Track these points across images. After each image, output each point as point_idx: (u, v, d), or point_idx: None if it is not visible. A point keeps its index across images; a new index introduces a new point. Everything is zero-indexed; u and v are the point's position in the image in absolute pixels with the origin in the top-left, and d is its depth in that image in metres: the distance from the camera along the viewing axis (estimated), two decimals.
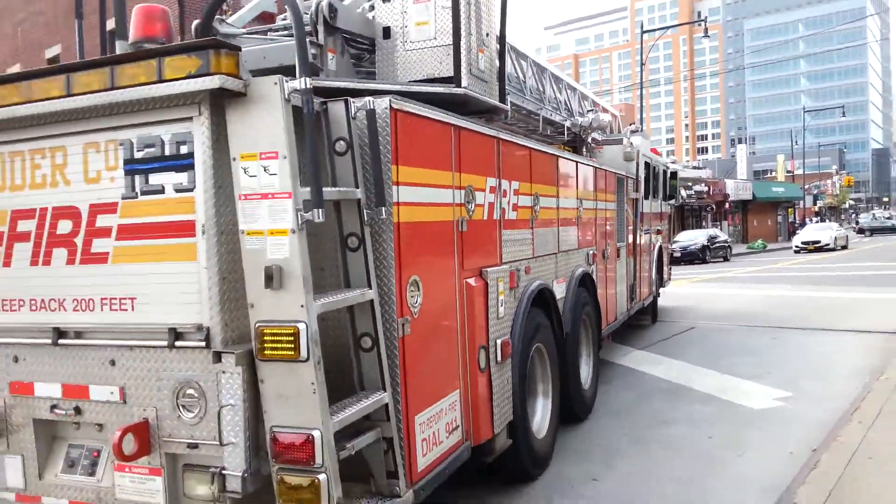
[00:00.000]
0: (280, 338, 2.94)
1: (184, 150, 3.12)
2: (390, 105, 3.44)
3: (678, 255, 30.31)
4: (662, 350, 9.61)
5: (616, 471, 5.31)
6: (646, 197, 10.26)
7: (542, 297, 5.42)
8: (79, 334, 3.38)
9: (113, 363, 3.29)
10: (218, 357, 3.06)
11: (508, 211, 4.98)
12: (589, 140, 8.34)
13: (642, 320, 11.38)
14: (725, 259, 32.09)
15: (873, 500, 4.06)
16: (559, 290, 6.00)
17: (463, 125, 4.24)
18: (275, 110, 2.97)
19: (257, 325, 2.99)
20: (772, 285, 18.14)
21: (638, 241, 9.83)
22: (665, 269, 12.56)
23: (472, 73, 4.27)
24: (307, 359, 2.91)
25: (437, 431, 3.78)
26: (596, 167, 7.76)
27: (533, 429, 5.16)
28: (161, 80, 3.03)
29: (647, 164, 10.34)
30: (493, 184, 4.72)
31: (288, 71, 3.48)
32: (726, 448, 5.65)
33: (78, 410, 3.39)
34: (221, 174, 3.09)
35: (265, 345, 2.96)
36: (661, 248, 11.78)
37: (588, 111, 8.51)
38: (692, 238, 32.11)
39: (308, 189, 3.00)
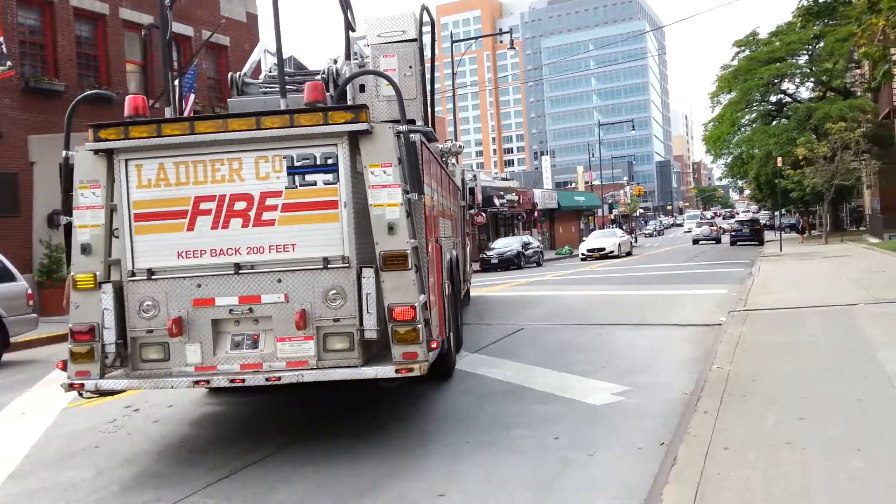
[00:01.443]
0: (396, 258, 5.43)
1: (329, 161, 5.54)
2: (420, 138, 6.21)
3: (496, 261, 31.01)
4: (496, 352, 9.35)
5: (462, 482, 4.79)
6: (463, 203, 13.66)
7: (450, 264, 8.29)
8: (252, 266, 5.60)
9: (280, 280, 5.56)
10: (360, 270, 5.48)
11: (437, 205, 7.82)
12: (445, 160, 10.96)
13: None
14: (538, 264, 33.32)
15: (741, 493, 3.84)
16: (454, 258, 9.04)
17: (431, 148, 7.53)
18: (390, 141, 5.51)
19: (381, 252, 5.46)
20: (586, 286, 18.84)
21: (466, 239, 13.48)
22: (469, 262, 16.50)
23: (425, 115, 7.54)
24: (410, 268, 5.43)
25: (435, 324, 6.24)
26: (453, 180, 10.94)
27: (452, 338, 8.03)
28: (326, 124, 5.45)
29: (462, 179, 13.40)
30: (435, 185, 7.68)
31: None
32: (575, 448, 5.33)
33: (251, 310, 5.61)
34: (354, 174, 5.55)
35: (387, 262, 5.44)
36: (469, 247, 15.67)
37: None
38: (508, 245, 33.02)
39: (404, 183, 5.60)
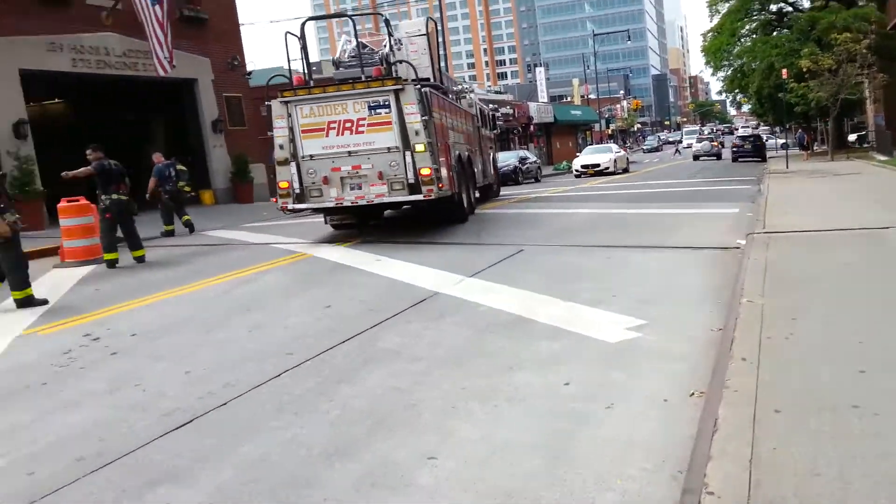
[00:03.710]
0: (422, 147, 11.87)
1: (386, 102, 11.89)
2: (429, 90, 12.49)
3: None
4: (493, 276, 8.51)
5: (456, 443, 4.01)
6: (483, 127, 19.70)
7: (459, 158, 14.53)
8: (356, 153, 12.12)
9: (369, 158, 12.06)
10: (404, 153, 11.89)
11: (446, 124, 13.80)
12: (460, 95, 18.03)
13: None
14: (536, 180, 32.29)
15: (808, 478, 3.05)
16: (464, 159, 15.15)
17: (439, 94, 13.84)
18: (413, 92, 11.88)
19: (413, 143, 11.84)
20: (588, 203, 17.93)
21: (482, 147, 19.19)
22: (496, 167, 22.82)
23: (433, 76, 14.65)
24: (426, 151, 11.87)
25: (447, 181, 12.73)
26: (465, 110, 16.97)
27: (464, 200, 14.43)
28: (384, 86, 11.96)
29: (480, 110, 19.90)
30: (444, 113, 13.63)
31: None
32: (589, 398, 4.54)
33: (357, 173, 12.14)
34: (398, 108, 11.83)
35: (416, 148, 11.84)
36: (494, 156, 22.03)
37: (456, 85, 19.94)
38: (505, 160, 31.82)
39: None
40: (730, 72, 47.64)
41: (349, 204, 12.23)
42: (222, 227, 16.40)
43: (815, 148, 45.96)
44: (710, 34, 47.10)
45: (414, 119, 11.69)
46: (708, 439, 3.54)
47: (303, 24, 13.15)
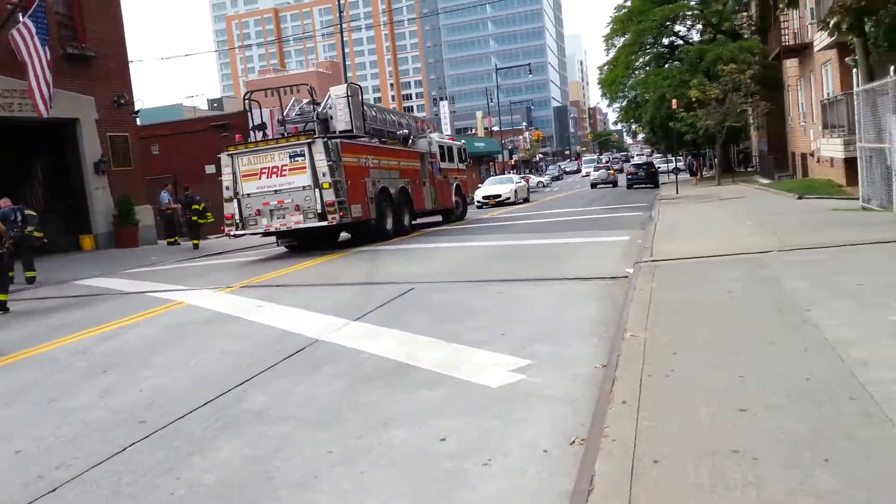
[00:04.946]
0: (327, 185, 15.48)
1: (302, 152, 15.67)
2: (339, 141, 16.36)
3: None
4: (380, 319, 8.08)
5: None
6: (442, 160, 23.22)
7: (384, 189, 18.14)
8: (280, 191, 15.81)
9: (289, 194, 15.93)
10: (314, 189, 15.54)
11: (365, 164, 17.48)
12: (410, 138, 21.64)
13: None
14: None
15: None
16: (394, 190, 18.76)
17: (358, 142, 17.88)
18: (321, 144, 15.62)
19: (320, 182, 15.51)
20: (484, 236, 17.83)
21: (436, 178, 22.53)
22: (466, 194, 26.28)
23: (356, 128, 18.31)
24: (331, 188, 15.56)
25: (358, 210, 16.57)
26: (405, 149, 20.70)
27: (387, 223, 18.16)
28: (299, 140, 15.83)
29: (440, 146, 23.31)
30: (363, 155, 17.48)
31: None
32: (465, 454, 4.17)
33: (280, 205, 15.81)
34: (310, 156, 15.55)
35: (322, 185, 15.51)
36: (458, 184, 24.87)
37: (406, 123, 22.86)
38: None
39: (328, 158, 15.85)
40: (625, 102, 49.57)
41: (274, 230, 16.15)
42: (100, 275, 15.37)
43: (703, 173, 48.02)
44: (606, 67, 48.92)
45: (322, 164, 15.31)
46: (583, 500, 3.22)
47: (248, 94, 18.44)
